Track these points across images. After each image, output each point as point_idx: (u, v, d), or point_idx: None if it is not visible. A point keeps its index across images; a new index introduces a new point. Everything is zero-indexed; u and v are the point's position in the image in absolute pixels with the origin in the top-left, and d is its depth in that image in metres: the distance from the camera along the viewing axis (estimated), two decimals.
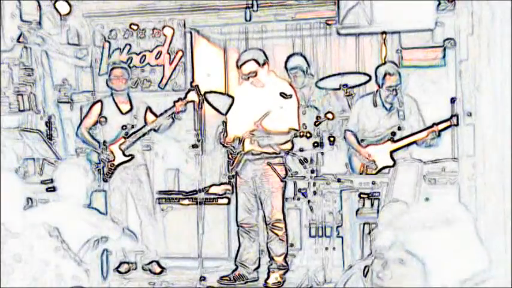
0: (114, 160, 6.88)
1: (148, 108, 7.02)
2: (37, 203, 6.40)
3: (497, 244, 5.02)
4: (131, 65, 7.65)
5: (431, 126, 6.52)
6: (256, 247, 6.58)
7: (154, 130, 6.93)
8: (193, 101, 6.72)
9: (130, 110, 7.00)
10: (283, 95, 6.28)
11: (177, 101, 6.79)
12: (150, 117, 6.98)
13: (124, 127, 6.90)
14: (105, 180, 6.90)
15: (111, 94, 7.03)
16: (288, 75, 7.24)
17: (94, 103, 7.12)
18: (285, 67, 7.18)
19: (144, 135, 6.93)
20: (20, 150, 7.11)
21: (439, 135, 6.51)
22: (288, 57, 7.28)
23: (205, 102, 6.66)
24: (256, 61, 6.36)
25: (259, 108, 6.33)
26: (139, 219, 6.98)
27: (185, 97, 6.72)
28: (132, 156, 6.91)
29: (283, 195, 6.44)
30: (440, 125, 6.50)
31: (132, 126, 6.93)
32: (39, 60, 7.51)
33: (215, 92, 6.83)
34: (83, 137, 7.00)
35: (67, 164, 5.95)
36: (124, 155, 6.90)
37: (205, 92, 6.66)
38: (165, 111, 6.88)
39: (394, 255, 4.07)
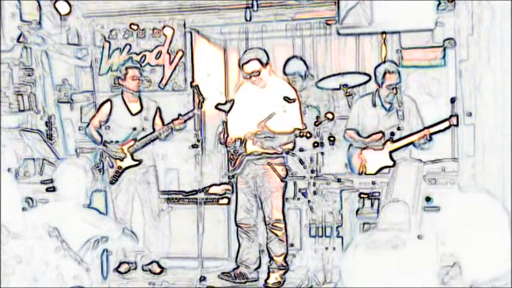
0: (124, 159, 6.84)
1: (158, 110, 6.98)
2: (37, 203, 6.40)
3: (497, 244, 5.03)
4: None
5: (423, 129, 6.53)
6: (256, 247, 6.58)
7: (159, 138, 6.89)
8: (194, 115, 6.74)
9: (141, 110, 6.96)
10: (287, 99, 6.26)
11: (180, 115, 6.79)
12: (158, 120, 6.94)
13: (134, 129, 6.86)
14: (111, 183, 6.87)
15: (121, 93, 6.96)
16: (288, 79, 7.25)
17: (103, 102, 7.02)
18: (284, 71, 7.16)
19: (151, 142, 6.89)
20: (20, 150, 7.11)
21: (430, 139, 6.50)
22: (286, 61, 7.23)
23: (205, 102, 6.66)
24: (260, 61, 6.34)
25: (261, 109, 6.32)
26: (144, 220, 6.96)
27: (200, 104, 6.68)
28: (140, 161, 6.87)
29: (284, 195, 6.44)
30: (433, 128, 6.49)
31: (143, 129, 6.88)
32: (39, 60, 7.51)
33: (224, 103, 6.82)
34: (92, 136, 6.94)
35: (67, 164, 5.95)
36: (133, 159, 6.86)
37: (217, 105, 6.64)
38: (168, 123, 6.85)
39: None
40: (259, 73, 6.35)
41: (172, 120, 6.83)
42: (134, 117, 6.91)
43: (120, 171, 6.84)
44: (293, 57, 7.33)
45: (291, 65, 7.16)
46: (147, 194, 6.95)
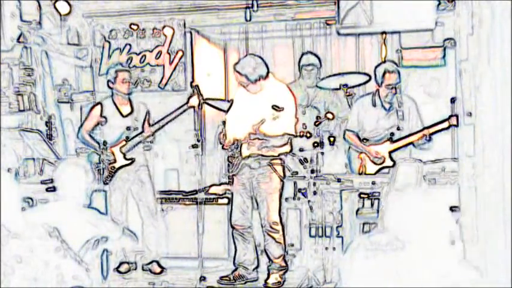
0: (114, 162, 6.86)
1: (148, 114, 6.99)
2: (37, 203, 6.40)
3: (497, 244, 5.03)
4: (131, 65, 7.65)
5: (423, 130, 6.54)
6: (252, 248, 6.55)
7: (143, 142, 6.92)
8: (193, 106, 6.73)
9: (131, 112, 6.97)
10: (275, 107, 6.23)
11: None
12: (146, 126, 6.96)
13: (128, 128, 6.87)
14: (105, 183, 6.88)
15: (112, 95, 7.00)
16: (300, 73, 7.29)
17: (93, 105, 7.07)
18: (299, 65, 7.27)
19: (137, 144, 6.91)
20: (20, 150, 7.11)
21: (429, 140, 6.51)
22: (302, 55, 7.37)
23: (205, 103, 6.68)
24: (247, 77, 6.31)
25: (254, 113, 6.30)
26: (141, 219, 6.97)
27: (187, 102, 6.73)
28: (132, 160, 6.89)
29: (281, 197, 6.41)
30: (432, 128, 6.50)
31: (135, 129, 6.91)
32: (39, 60, 7.51)
33: (215, 99, 6.85)
34: (84, 140, 6.96)
35: (67, 164, 5.95)
36: (125, 158, 6.87)
37: (206, 99, 6.68)
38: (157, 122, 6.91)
39: None
40: (248, 85, 6.34)
41: (163, 118, 6.88)
42: (125, 119, 6.93)
43: (113, 171, 6.86)
44: (308, 52, 7.49)
45: (308, 56, 7.35)
46: (142, 193, 6.95)
